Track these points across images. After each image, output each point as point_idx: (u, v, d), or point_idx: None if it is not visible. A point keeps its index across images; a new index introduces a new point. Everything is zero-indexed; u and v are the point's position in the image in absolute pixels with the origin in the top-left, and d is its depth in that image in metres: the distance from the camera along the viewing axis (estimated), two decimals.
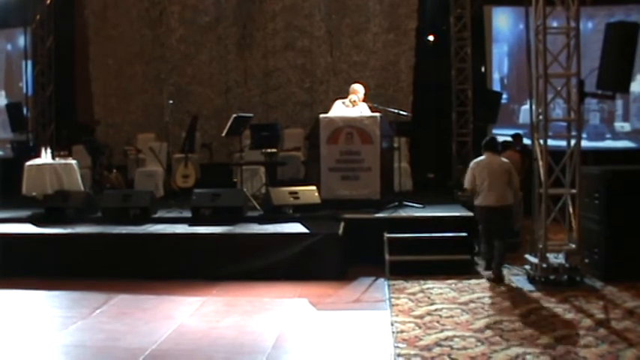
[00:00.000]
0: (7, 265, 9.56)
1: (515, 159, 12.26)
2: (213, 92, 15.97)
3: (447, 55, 15.35)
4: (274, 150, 12.36)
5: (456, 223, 10.14)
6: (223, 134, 11.97)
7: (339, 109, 11.48)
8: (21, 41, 16.52)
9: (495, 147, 9.56)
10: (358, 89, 11.54)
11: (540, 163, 8.89)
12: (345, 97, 11.61)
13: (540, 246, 8.87)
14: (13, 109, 15.87)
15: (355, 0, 15.58)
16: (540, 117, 8.96)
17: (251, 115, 12.49)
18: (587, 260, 9.19)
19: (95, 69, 16.27)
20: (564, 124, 9.25)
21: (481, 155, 9.51)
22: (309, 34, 15.72)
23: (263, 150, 12.17)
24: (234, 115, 11.79)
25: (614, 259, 8.90)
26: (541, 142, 8.89)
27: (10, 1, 15.28)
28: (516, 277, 9.19)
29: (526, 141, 13.07)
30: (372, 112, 11.37)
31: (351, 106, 11.45)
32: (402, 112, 11.77)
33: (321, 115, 11.22)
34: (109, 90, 16.22)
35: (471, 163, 9.57)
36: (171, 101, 13.77)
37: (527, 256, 9.23)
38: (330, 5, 15.63)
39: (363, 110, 11.42)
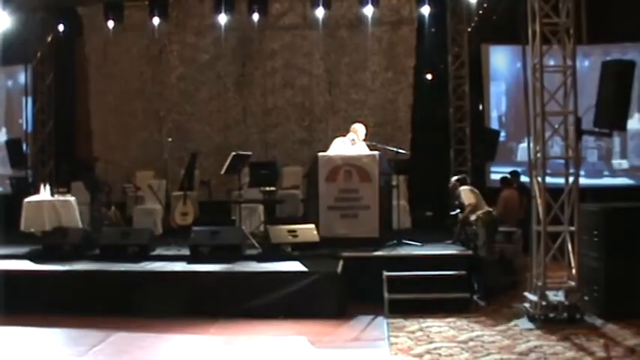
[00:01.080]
0: (5, 301, 9.45)
1: (514, 196, 12.31)
2: (212, 130, 16.03)
3: (445, 93, 15.48)
4: (273, 188, 12.36)
5: (455, 261, 10.10)
6: (222, 172, 11.91)
7: (338, 148, 11.52)
8: (21, 78, 16.61)
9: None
10: (358, 129, 11.61)
11: (539, 200, 8.88)
12: (345, 136, 11.66)
13: (539, 284, 8.83)
14: (12, 145, 15.89)
15: (354, 39, 15.69)
16: (538, 154, 8.98)
17: (250, 153, 12.51)
18: (586, 298, 9.14)
19: (95, 106, 16.36)
20: (562, 161, 9.24)
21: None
22: (308, 73, 15.83)
23: (262, 188, 12.17)
24: (233, 153, 11.77)
25: (615, 297, 8.85)
26: (539, 179, 8.90)
27: (11, 38, 15.37)
28: (516, 315, 9.14)
29: (524, 178, 13.08)
30: (371, 150, 11.40)
31: (350, 144, 11.47)
32: (400, 150, 11.79)
33: (320, 154, 11.28)
34: (108, 127, 16.29)
35: (462, 187, 10.82)
36: (170, 139, 13.80)
37: (526, 293, 9.18)
38: (328, 44, 15.73)
39: (361, 149, 11.43)
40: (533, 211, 9.04)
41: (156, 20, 15.42)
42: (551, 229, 8.92)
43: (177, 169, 14.93)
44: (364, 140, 11.61)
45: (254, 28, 15.66)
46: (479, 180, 14.73)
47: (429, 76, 16.15)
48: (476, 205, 10.43)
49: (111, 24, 15.59)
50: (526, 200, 11.44)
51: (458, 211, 10.87)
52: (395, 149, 11.70)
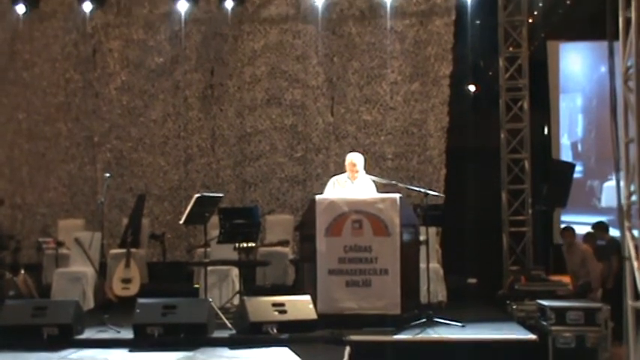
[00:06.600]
0: None
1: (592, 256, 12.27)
2: (167, 162, 16.02)
3: (495, 111, 15.52)
4: (252, 244, 12.18)
5: (513, 350, 10.01)
6: (181, 222, 11.93)
7: (337, 189, 11.60)
8: None
9: None
10: (355, 159, 11.66)
11: (635, 264, 8.70)
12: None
13: None
14: None
15: (366, 36, 15.74)
16: (634, 198, 8.86)
17: (220, 195, 12.49)
18: None
19: None
20: None
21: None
22: (302, 84, 15.87)
23: (237, 244, 11.98)
24: (197, 195, 11.74)
25: None
26: (635, 233, 8.70)
27: None
28: None
29: (613, 232, 12.98)
30: (382, 189, 11.49)
31: (351, 181, 11.52)
32: (431, 192, 11.72)
33: (318, 197, 11.25)
34: (18, 156, 16.23)
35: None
36: (107, 174, 13.58)
37: None
38: (330, 43, 15.79)
39: (368, 187, 11.48)
40: (627, 280, 8.91)
41: (87, 6, 15.51)
42: None
43: (117, 217, 15.07)
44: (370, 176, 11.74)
45: (227, 21, 15.78)
46: (544, 234, 14.58)
47: (471, 88, 16.08)
48: None
49: (21, 9, 15.66)
50: (616, 264, 11.33)
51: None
52: (423, 190, 11.64)
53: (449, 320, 11.04)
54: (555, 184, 14.71)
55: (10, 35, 16.12)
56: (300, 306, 10.68)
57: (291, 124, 15.82)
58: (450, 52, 15.49)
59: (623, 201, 9.02)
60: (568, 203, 14.83)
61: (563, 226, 15.33)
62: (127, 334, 10.65)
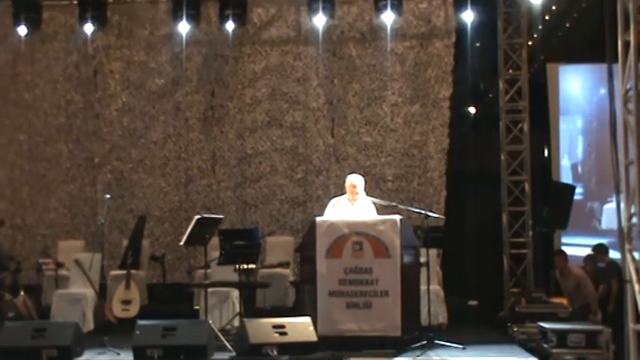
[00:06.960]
0: None
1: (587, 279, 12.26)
2: (167, 184, 15.97)
3: (496, 133, 15.49)
4: (253, 266, 12.14)
5: None
6: (181, 243, 11.86)
7: (337, 211, 11.51)
8: None
9: None
10: (356, 181, 11.59)
11: (636, 286, 8.68)
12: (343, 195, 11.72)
13: None
14: None
15: (366, 58, 15.72)
16: (634, 220, 8.82)
17: (221, 216, 12.48)
18: None
19: None
20: None
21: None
22: (303, 105, 15.84)
23: (237, 266, 11.93)
24: (197, 217, 11.70)
25: None
26: (636, 255, 8.66)
27: None
28: None
29: (613, 254, 12.92)
30: (382, 211, 11.52)
31: (351, 203, 11.46)
32: (431, 214, 11.67)
33: (319, 218, 11.20)
34: (18, 177, 16.18)
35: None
36: (108, 195, 13.56)
37: None
38: (331, 65, 15.77)
39: (368, 208, 11.43)
40: (629, 303, 8.86)
41: (89, 27, 15.43)
42: None
43: (117, 238, 15.05)
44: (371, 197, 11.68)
45: (228, 43, 15.75)
46: (544, 256, 14.53)
47: (471, 110, 16.04)
48: None
49: (23, 30, 15.58)
50: (616, 286, 11.26)
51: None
52: (424, 212, 11.62)
53: (450, 342, 10.96)
54: (556, 206, 14.69)
55: (11, 57, 16.09)
56: (301, 328, 10.58)
57: (292, 146, 15.78)
58: (450, 75, 15.45)
59: (624, 223, 8.98)
60: (568, 225, 14.80)
61: (564, 248, 15.38)
62: (127, 356, 10.58)
